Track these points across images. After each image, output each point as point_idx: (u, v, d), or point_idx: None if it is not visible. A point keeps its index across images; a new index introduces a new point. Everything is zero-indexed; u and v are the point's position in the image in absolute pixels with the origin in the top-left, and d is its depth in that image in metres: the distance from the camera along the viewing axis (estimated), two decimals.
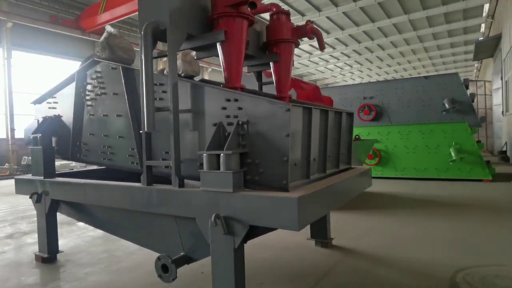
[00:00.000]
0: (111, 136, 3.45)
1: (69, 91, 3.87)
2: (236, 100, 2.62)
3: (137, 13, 12.56)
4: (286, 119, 2.40)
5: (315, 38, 3.79)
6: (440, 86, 8.82)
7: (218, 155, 2.51)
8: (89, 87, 3.63)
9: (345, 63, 32.12)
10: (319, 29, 3.79)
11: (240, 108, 2.60)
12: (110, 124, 3.46)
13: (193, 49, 3.32)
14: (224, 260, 2.48)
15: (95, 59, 3.51)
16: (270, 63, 3.77)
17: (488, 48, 14.89)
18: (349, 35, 23.90)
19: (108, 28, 3.63)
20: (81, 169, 4.79)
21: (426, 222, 5.34)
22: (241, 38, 2.98)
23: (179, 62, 3.81)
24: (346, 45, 26.95)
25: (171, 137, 2.75)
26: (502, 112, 13.33)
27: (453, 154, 8.36)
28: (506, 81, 12.65)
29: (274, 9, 3.72)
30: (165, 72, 3.65)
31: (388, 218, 5.59)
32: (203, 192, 2.55)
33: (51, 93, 4.07)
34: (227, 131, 2.65)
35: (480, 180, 8.38)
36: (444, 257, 3.73)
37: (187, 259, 2.94)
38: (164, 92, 2.98)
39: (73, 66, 15.83)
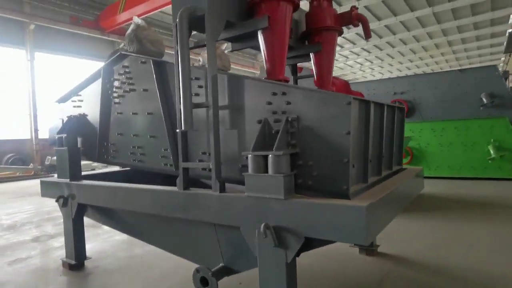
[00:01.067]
0: (142, 136, 3.18)
1: (95, 89, 3.63)
2: (284, 93, 2.30)
3: (156, 11, 12.37)
4: (346, 114, 2.07)
5: (360, 26, 3.44)
6: (477, 79, 8.28)
7: (266, 156, 2.20)
8: (116, 83, 3.38)
9: (365, 58, 31.36)
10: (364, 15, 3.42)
11: (289, 103, 2.28)
12: (140, 123, 3.19)
13: (229, 39, 3.02)
14: (275, 275, 2.17)
15: (123, 52, 3.25)
16: (311, 54, 3.43)
17: None
18: (371, 30, 23.23)
19: (136, 19, 3.37)
20: (105, 170, 4.57)
21: (470, 225, 4.91)
22: (286, 24, 2.66)
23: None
24: (367, 41, 26.25)
25: (210, 136, 2.45)
26: None
27: (492, 151, 7.83)
28: None
29: None
30: (198, 64, 3.37)
31: (429, 222, 5.18)
32: (249, 198, 2.24)
33: (76, 91, 3.84)
34: (274, 129, 2.34)
35: None
36: (497, 265, 3.33)
37: (227, 271, 2.64)
38: (200, 87, 2.69)
39: (94, 66, 15.85)
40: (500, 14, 20.27)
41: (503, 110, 7.98)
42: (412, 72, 37.13)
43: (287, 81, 2.79)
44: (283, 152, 2.11)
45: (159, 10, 13.79)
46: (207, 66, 2.53)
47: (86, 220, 3.86)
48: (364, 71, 36.58)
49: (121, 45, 3.39)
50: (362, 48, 28.12)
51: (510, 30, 15.69)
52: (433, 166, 8.60)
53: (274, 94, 2.34)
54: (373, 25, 22.09)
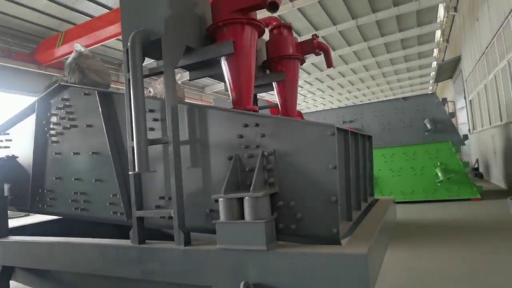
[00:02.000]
0: (85, 180, 2.68)
1: (28, 126, 3.07)
2: (257, 124, 2.00)
3: (98, 45, 11.69)
4: (331, 146, 1.80)
5: (322, 55, 3.31)
6: (419, 106, 8.69)
7: (241, 199, 1.85)
8: (54, 119, 2.87)
9: (308, 90, 32.58)
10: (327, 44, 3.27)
11: (263, 135, 1.98)
12: (83, 165, 2.69)
13: (186, 67, 2.69)
14: None
15: (62, 83, 2.78)
16: (273, 83, 3.22)
17: (447, 70, 15.44)
18: (312, 63, 24.26)
19: (78, 46, 2.94)
20: (38, 219, 3.88)
21: (438, 252, 4.85)
22: (252, 50, 2.41)
23: (160, 86, 3.16)
24: (309, 73, 27.36)
25: (171, 178, 2.06)
26: (469, 130, 13.62)
27: (439, 174, 8.11)
28: (470, 100, 12.98)
29: (274, 23, 3.22)
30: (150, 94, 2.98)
31: (398, 252, 5.04)
32: (222, 251, 1.86)
33: (3, 129, 3.23)
34: (248, 166, 2.01)
35: (469, 199, 8.15)
36: None
37: None
38: (156, 120, 2.31)
39: (29, 102, 14.49)
40: (426, 48, 22.23)
41: (446, 134, 8.40)
42: (351, 102, 39.18)
43: (255, 111, 2.51)
44: (263, 193, 1.78)
45: (101, 44, 13.20)
46: (163, 96, 2.17)
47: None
48: (307, 103, 37.93)
49: (60, 76, 2.91)
50: (305, 81, 29.20)
51: (438, 63, 17.14)
52: (387, 192, 8.73)
53: (246, 125, 2.03)
54: (315, 58, 23.10)
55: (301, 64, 3.24)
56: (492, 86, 9.42)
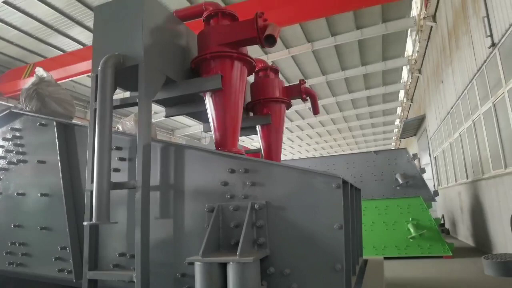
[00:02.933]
0: (28, 227, 2.17)
1: None
2: (246, 170, 1.68)
3: (67, 80, 11.22)
4: (337, 201, 1.50)
5: (308, 101, 3.12)
6: (391, 160, 8.73)
7: (223, 264, 1.47)
8: None
9: None
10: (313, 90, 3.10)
11: (253, 184, 1.65)
12: (27, 208, 2.20)
13: (163, 102, 2.37)
14: None
15: (14, 110, 2.35)
16: (257, 127, 2.94)
17: (412, 128, 16.07)
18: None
19: (40, 71, 2.56)
20: None
21: None
22: (241, 87, 2.14)
23: (130, 123, 2.81)
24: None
25: (136, 231, 1.65)
26: (434, 185, 13.88)
27: (412, 230, 7.95)
28: (435, 157, 13.36)
29: (261, 65, 3.02)
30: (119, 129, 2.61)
31: None
32: None
33: None
34: (233, 220, 1.65)
35: (441, 257, 7.98)
36: None
37: None
38: (123, 159, 1.93)
39: None
40: (389, 106, 23.35)
41: (417, 189, 8.39)
42: (318, 153, 39.89)
43: (242, 155, 2.19)
44: (253, 258, 1.41)
45: (70, 79, 12.73)
46: (134, 132, 1.82)
47: None
48: None
49: (18, 102, 2.49)
50: None
51: (403, 120, 17.86)
52: None
53: (233, 171, 1.69)
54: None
55: (287, 108, 3.01)
56: (457, 144, 9.72)
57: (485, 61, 6.01)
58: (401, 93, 20.78)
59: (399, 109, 23.81)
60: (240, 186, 1.68)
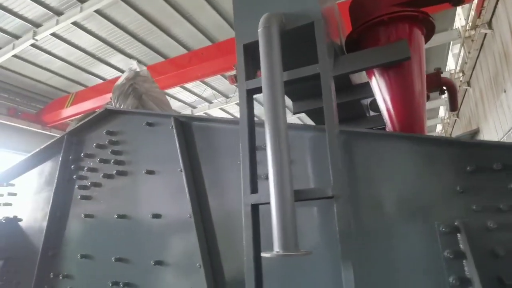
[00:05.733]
0: (135, 262, 1.59)
1: (43, 174, 2.05)
2: (506, 167, 1.04)
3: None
4: None
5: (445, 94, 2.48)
6: None
7: None
8: (89, 163, 1.86)
9: None
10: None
11: None
12: (132, 236, 1.63)
13: (293, 92, 1.79)
14: None
15: (109, 107, 1.82)
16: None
17: None
18: None
19: (134, 65, 2.06)
20: None
21: None
22: (423, 57, 1.55)
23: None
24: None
25: (343, 268, 1.02)
26: None
27: None
28: None
29: None
30: None
31: None
32: None
33: (5, 178, 2.19)
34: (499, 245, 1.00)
35: None
36: None
37: None
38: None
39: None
40: (429, 123, 22.29)
41: None
42: None
43: None
44: None
45: None
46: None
47: None
48: None
49: (107, 102, 1.99)
50: None
51: (457, 136, 16.94)
52: None
53: (476, 170, 1.06)
54: None
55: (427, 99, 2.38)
56: None
57: None
58: (441, 110, 19.68)
59: (439, 126, 22.58)
60: (491, 191, 1.05)
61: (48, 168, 2.01)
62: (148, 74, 2.05)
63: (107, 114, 1.79)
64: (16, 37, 9.60)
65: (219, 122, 1.49)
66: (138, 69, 2.03)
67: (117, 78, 9.58)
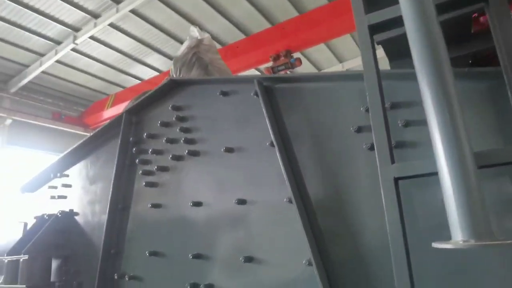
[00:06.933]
0: (215, 258, 1.29)
1: (100, 162, 1.81)
2: None
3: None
4: None
5: None
6: None
7: None
8: (153, 144, 1.59)
9: None
10: None
11: None
12: (211, 227, 1.33)
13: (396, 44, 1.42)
14: None
15: (174, 78, 1.52)
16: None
17: None
18: None
19: (195, 31, 1.76)
20: None
21: None
22: None
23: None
24: None
25: None
26: None
27: None
28: None
29: None
30: None
31: None
32: None
33: (58, 168, 1.97)
34: None
35: None
36: None
37: None
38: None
39: None
40: None
41: None
42: None
43: None
44: None
45: None
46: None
47: None
48: None
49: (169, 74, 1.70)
50: None
51: None
52: None
53: None
54: None
55: None
56: None
57: None
58: None
59: None
60: None
61: (105, 154, 1.76)
62: (212, 42, 1.76)
63: (173, 86, 1.50)
64: (58, 42, 9.75)
65: (318, 80, 1.15)
66: (200, 37, 1.73)
67: (153, 78, 9.38)
